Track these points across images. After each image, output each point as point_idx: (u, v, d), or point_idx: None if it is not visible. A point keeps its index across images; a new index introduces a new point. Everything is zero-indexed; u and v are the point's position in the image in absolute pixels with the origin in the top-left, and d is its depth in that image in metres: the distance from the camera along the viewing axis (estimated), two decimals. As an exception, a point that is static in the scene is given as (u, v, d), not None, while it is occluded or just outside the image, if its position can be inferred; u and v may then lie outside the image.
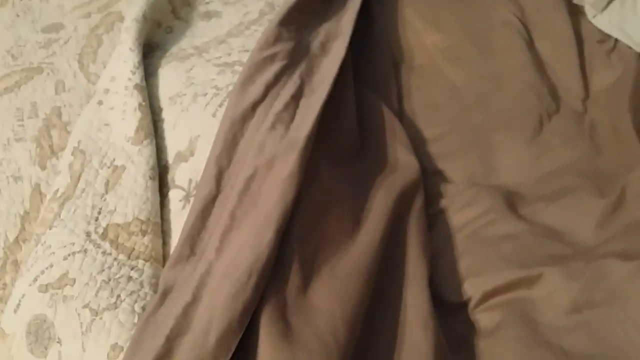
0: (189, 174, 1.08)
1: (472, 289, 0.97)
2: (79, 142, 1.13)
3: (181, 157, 1.11)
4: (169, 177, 1.10)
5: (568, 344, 0.86)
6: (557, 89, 1.35)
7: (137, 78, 1.21)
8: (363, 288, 0.88)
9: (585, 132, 1.24)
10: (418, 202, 1.06)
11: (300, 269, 0.89)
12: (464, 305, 0.96)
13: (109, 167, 1.08)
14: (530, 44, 1.44)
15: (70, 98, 1.27)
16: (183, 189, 1.07)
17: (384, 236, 0.96)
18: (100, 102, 1.21)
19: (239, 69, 1.24)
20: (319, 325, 0.81)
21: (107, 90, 1.23)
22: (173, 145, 1.14)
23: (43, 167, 1.13)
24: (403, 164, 1.13)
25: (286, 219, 0.90)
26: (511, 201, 1.11)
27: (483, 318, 0.94)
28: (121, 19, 1.45)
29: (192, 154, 1.11)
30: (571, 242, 1.03)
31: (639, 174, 1.09)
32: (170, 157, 1.13)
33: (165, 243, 1.02)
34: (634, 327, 0.85)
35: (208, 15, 1.52)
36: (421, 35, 1.49)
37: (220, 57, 1.33)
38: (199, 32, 1.45)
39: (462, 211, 1.09)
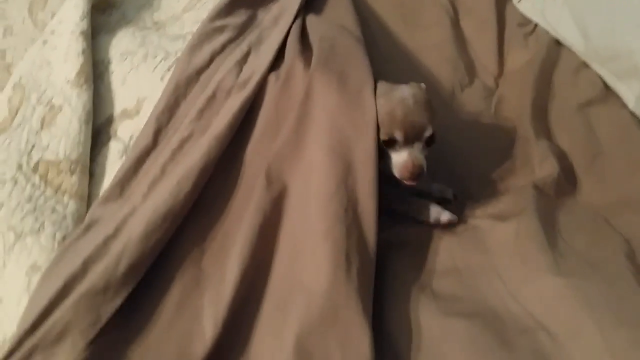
0: (131, 130, 1.13)
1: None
2: (20, 77, 1.17)
3: (127, 114, 1.16)
4: (112, 128, 1.15)
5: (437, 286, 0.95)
6: (474, 64, 1.42)
7: (85, 25, 1.24)
8: None
9: (492, 106, 1.31)
10: None
11: (222, 225, 0.95)
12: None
13: (46, 105, 1.12)
14: (456, 22, 1.50)
15: (16, 42, 1.30)
16: (123, 143, 1.12)
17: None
18: (45, 42, 1.24)
19: (189, 37, 1.28)
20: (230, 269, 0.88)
21: (53, 32, 1.26)
22: (121, 100, 1.19)
23: (-19, 103, 1.16)
24: None
25: (206, 174, 0.96)
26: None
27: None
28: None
29: (137, 113, 1.16)
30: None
31: (525, 146, 1.18)
32: (117, 111, 1.18)
33: (96, 185, 1.07)
34: (497, 276, 0.94)
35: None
36: (359, 6, 1.53)
37: (176, 31, 1.37)
38: (157, 3, 1.46)
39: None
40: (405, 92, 0.99)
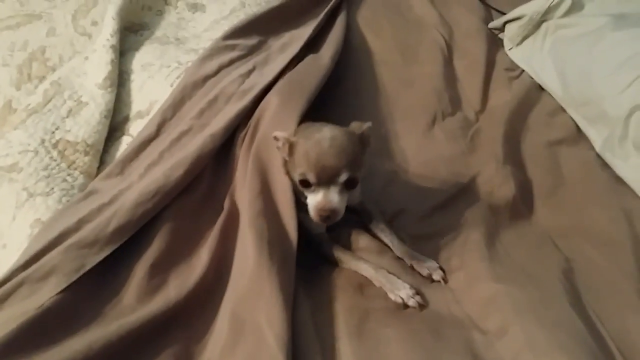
0: (140, 127, 1.25)
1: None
2: (59, 77, 1.34)
3: (140, 115, 1.31)
4: (127, 127, 1.30)
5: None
6: (460, 99, 1.51)
7: (114, 40, 1.41)
8: None
9: (468, 135, 1.38)
10: None
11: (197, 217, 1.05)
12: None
13: (75, 101, 1.28)
14: (449, 60, 1.60)
15: (56, 41, 1.46)
16: (132, 137, 1.25)
17: None
18: (86, 58, 1.43)
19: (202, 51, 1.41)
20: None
21: (93, 51, 1.43)
22: (137, 104, 1.34)
23: (18, 88, 1.32)
24: None
25: (198, 166, 1.05)
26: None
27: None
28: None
29: (148, 113, 1.29)
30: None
31: (491, 169, 1.26)
32: (133, 113, 1.32)
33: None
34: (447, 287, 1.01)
35: (195, 7, 1.69)
36: (365, 41, 1.67)
37: (192, 46, 1.51)
38: (184, 25, 1.63)
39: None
40: (325, 134, 0.94)
